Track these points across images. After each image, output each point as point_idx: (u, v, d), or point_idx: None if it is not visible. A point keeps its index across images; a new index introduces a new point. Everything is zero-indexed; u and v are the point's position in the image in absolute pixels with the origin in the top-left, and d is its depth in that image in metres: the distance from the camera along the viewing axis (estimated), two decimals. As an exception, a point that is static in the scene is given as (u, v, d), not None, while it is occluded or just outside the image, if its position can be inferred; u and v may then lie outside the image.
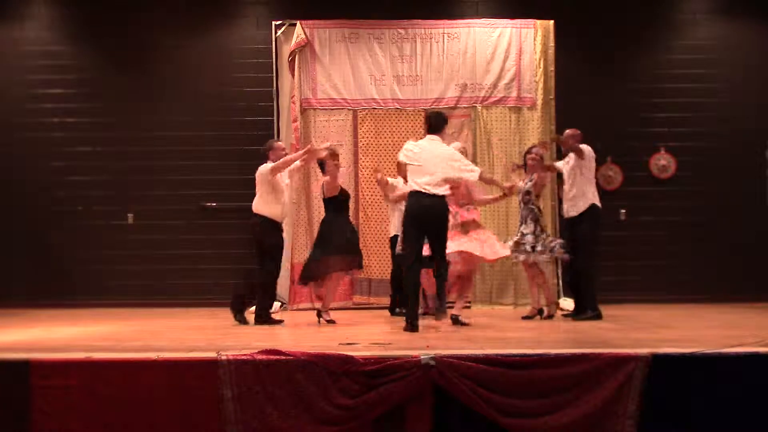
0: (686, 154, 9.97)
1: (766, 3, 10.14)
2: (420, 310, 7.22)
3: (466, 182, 7.02)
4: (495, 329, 6.87)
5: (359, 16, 9.86)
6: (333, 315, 7.61)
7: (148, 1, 10.08)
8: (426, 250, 6.81)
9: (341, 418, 4.60)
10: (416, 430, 4.64)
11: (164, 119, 9.96)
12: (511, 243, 7.76)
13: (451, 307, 7.22)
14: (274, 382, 4.61)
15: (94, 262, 9.77)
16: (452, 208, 7.39)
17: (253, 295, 7.61)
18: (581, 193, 7.65)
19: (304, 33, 9.77)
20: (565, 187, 7.84)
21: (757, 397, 4.68)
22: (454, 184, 6.91)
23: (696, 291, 9.61)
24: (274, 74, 9.95)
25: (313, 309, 9.20)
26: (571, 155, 7.74)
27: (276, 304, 8.59)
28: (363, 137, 9.77)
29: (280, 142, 8.13)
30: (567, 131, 7.88)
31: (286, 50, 9.88)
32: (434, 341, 5.79)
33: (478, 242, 7.20)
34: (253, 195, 7.63)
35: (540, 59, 9.79)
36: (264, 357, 4.69)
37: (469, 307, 7.66)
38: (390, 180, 8.21)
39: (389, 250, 8.61)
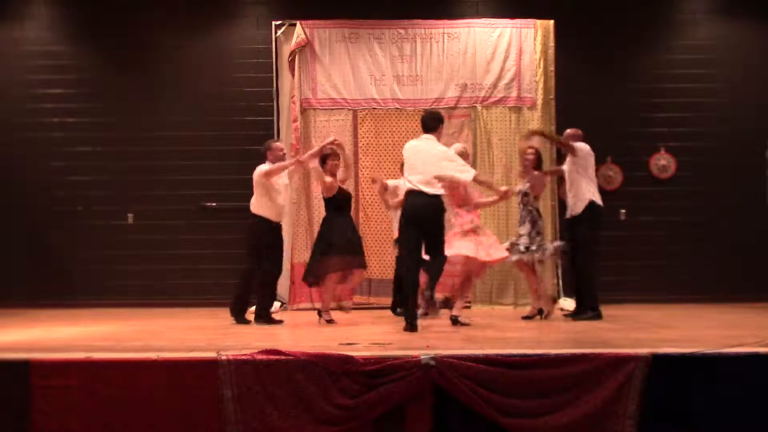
0: (686, 154, 9.97)
1: (766, 3, 10.13)
2: (420, 311, 7.22)
3: (464, 184, 7.00)
4: (495, 329, 6.87)
5: (359, 16, 9.86)
6: (333, 315, 7.61)
7: (148, 1, 10.07)
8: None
9: (341, 418, 4.60)
10: (416, 430, 4.64)
11: (164, 119, 9.96)
12: (507, 244, 7.77)
13: (451, 308, 7.23)
14: (274, 382, 4.61)
15: (94, 262, 9.77)
16: (453, 209, 7.40)
17: (253, 294, 7.67)
18: (579, 191, 7.64)
19: (304, 33, 9.77)
20: (566, 186, 7.86)
21: (757, 397, 4.68)
22: (452, 185, 6.92)
23: (696, 291, 9.61)
24: (274, 74, 9.95)
25: (314, 309, 9.22)
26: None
27: (276, 304, 8.59)
28: (363, 137, 9.77)
29: (278, 143, 8.13)
30: (567, 131, 7.88)
31: (286, 50, 9.88)
32: (434, 341, 5.79)
33: (474, 244, 7.17)
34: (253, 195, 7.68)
35: (540, 59, 9.80)
36: (264, 357, 4.69)
37: (469, 307, 7.66)
38: (390, 182, 8.18)
39: (391, 250, 8.63)
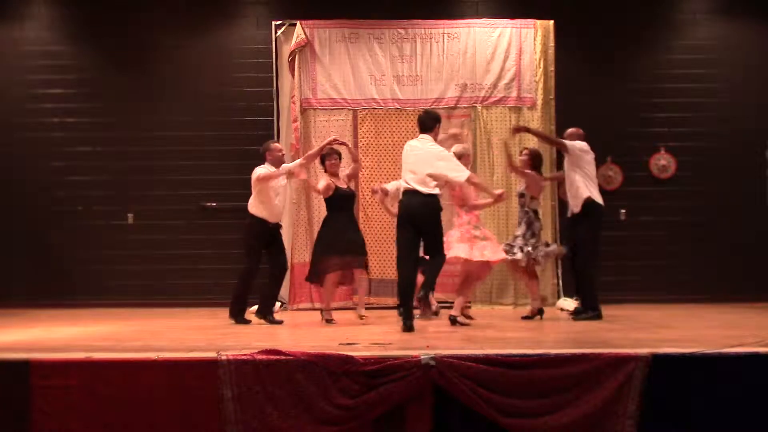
0: (686, 154, 9.97)
1: (766, 3, 10.13)
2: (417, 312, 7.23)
3: (459, 184, 6.99)
4: (495, 329, 6.87)
5: (359, 16, 9.86)
6: (333, 315, 7.62)
7: (148, 1, 10.07)
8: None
9: (341, 418, 4.60)
10: (416, 430, 4.64)
11: (164, 119, 9.96)
12: (504, 245, 7.77)
13: (450, 307, 7.24)
14: (274, 382, 4.61)
15: (94, 262, 9.77)
16: (454, 209, 7.39)
17: (252, 294, 7.68)
18: (575, 189, 7.63)
19: (304, 33, 9.77)
20: (566, 186, 7.85)
21: (757, 397, 4.68)
22: (450, 185, 6.91)
23: (696, 291, 9.61)
24: (274, 74, 9.94)
25: (314, 309, 9.23)
26: None
27: (276, 304, 8.58)
28: (363, 137, 9.78)
29: (276, 144, 8.14)
30: (569, 130, 7.88)
31: (286, 50, 9.88)
32: (434, 341, 5.79)
33: (469, 245, 7.15)
34: (253, 195, 7.71)
35: (540, 59, 9.79)
36: (264, 357, 4.69)
37: (469, 308, 7.64)
38: (390, 185, 8.12)
39: (391, 250, 8.61)
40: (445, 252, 6.90)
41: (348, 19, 9.86)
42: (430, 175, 6.63)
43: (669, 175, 10.00)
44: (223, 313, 7.75)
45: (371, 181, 9.59)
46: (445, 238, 6.98)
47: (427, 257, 6.87)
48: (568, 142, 7.72)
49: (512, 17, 9.87)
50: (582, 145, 7.69)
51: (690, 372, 4.71)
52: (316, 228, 8.39)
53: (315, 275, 7.54)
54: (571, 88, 9.76)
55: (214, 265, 9.62)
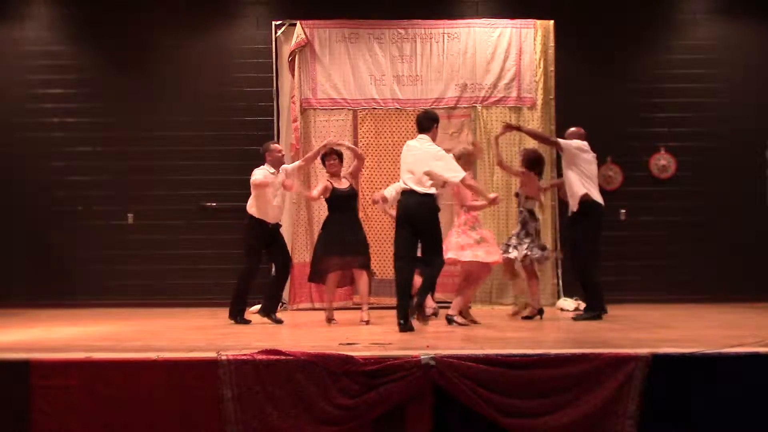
0: (686, 154, 9.97)
1: (766, 3, 10.13)
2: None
3: (457, 185, 6.97)
4: (495, 329, 6.87)
5: (359, 16, 9.86)
6: (334, 315, 7.63)
7: (148, 1, 10.07)
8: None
9: (341, 418, 4.60)
10: (416, 430, 4.64)
11: (164, 119, 9.96)
12: (501, 245, 7.78)
13: (449, 308, 7.24)
14: (274, 382, 4.61)
15: (94, 262, 9.77)
16: (456, 208, 7.39)
17: (252, 294, 7.67)
18: (571, 187, 7.62)
19: (304, 33, 9.77)
20: (565, 185, 7.85)
21: (757, 397, 4.68)
22: (443, 185, 6.90)
23: (696, 291, 9.60)
24: (274, 74, 9.95)
25: (314, 309, 9.24)
26: None
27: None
28: (363, 137, 9.78)
29: (276, 144, 8.14)
30: (570, 129, 7.88)
31: (286, 50, 9.88)
32: (434, 341, 5.79)
33: (463, 246, 7.13)
34: (253, 195, 7.71)
35: (540, 59, 9.80)
36: (264, 357, 4.69)
37: (469, 308, 7.64)
38: (388, 190, 8.09)
39: (391, 251, 8.59)
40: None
41: (348, 19, 9.86)
42: (427, 173, 6.63)
43: (669, 175, 10.00)
44: (223, 313, 7.74)
45: (371, 181, 9.62)
46: (445, 239, 6.97)
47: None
48: (561, 141, 7.73)
49: (512, 17, 9.87)
50: (578, 143, 7.66)
51: (690, 372, 4.70)
52: (316, 228, 8.39)
53: (316, 275, 7.56)
54: (571, 88, 9.76)
55: (214, 265, 9.62)
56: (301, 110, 9.75)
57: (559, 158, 8.76)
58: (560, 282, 9.56)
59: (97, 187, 9.93)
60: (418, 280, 7.03)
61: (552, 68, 9.83)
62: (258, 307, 8.35)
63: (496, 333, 6.53)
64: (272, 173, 7.70)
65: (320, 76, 9.81)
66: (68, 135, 9.97)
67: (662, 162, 9.99)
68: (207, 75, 10.02)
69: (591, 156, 7.70)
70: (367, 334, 6.34)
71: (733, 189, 9.89)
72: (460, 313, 7.16)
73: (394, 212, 7.55)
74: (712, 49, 10.10)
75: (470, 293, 7.40)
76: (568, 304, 9.00)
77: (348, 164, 8.11)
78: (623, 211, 9.89)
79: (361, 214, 9.42)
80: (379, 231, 9.51)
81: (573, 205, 7.66)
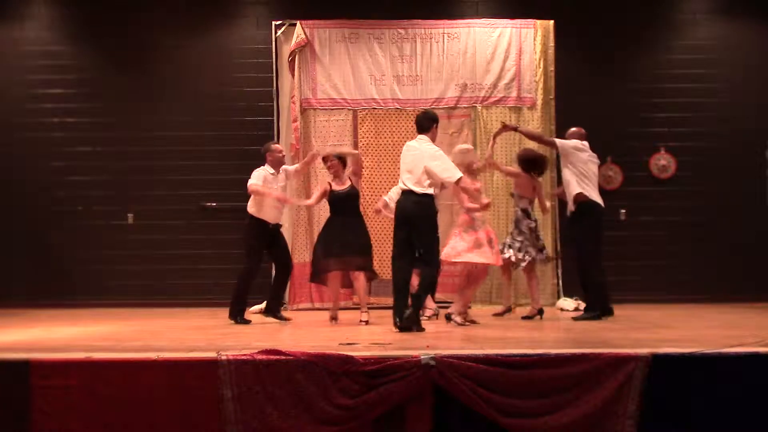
0: (686, 154, 9.97)
1: (766, 3, 10.13)
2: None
3: (454, 187, 6.96)
4: (495, 329, 6.87)
5: (359, 16, 9.87)
6: (337, 314, 7.65)
7: (148, 1, 10.07)
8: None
9: (341, 418, 4.60)
10: (416, 430, 4.64)
11: (164, 119, 9.96)
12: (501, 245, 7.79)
13: (447, 308, 7.24)
14: (274, 382, 4.61)
15: (94, 262, 9.77)
16: (453, 209, 7.39)
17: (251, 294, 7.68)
18: (567, 187, 7.62)
19: (304, 33, 9.77)
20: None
21: (757, 397, 4.68)
22: (440, 186, 6.91)
23: (696, 291, 9.61)
24: (274, 74, 9.95)
25: (314, 309, 9.25)
26: None
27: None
28: (363, 137, 9.78)
29: (277, 144, 8.14)
30: (570, 129, 7.87)
31: (286, 50, 9.89)
32: (434, 341, 5.79)
33: (453, 247, 7.13)
34: (252, 195, 7.71)
35: (540, 59, 9.80)
36: (264, 357, 4.68)
37: (469, 308, 7.63)
38: (389, 195, 8.09)
39: (391, 251, 8.60)
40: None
41: (348, 19, 9.86)
42: (426, 171, 6.64)
43: (669, 175, 10.00)
44: (223, 313, 7.74)
45: (371, 181, 9.63)
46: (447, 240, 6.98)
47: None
48: (557, 140, 7.76)
49: (512, 17, 9.88)
50: (575, 143, 7.65)
51: (690, 372, 4.70)
52: (316, 228, 8.38)
53: (316, 275, 7.58)
54: (571, 88, 9.77)
55: (214, 265, 9.63)
56: (301, 110, 9.75)
57: (559, 158, 8.77)
58: (560, 282, 9.57)
59: (97, 187, 9.93)
60: (416, 281, 7.03)
61: (552, 68, 9.83)
62: (258, 307, 8.37)
63: (496, 333, 6.53)
64: (272, 174, 7.72)
65: (320, 76, 9.81)
66: (68, 135, 9.97)
67: (662, 162, 9.99)
68: (207, 75, 10.03)
69: (588, 155, 7.67)
70: (367, 334, 6.34)
71: (733, 189, 9.90)
72: (460, 314, 7.16)
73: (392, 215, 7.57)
74: (712, 49, 10.11)
75: (469, 294, 7.40)
76: (568, 304, 9.01)
77: (352, 163, 8.11)
78: (623, 211, 9.89)
79: (360, 214, 9.45)
80: (379, 231, 9.50)
81: (570, 205, 7.66)
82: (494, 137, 8.19)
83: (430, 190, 6.69)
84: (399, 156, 7.06)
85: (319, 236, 7.67)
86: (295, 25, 9.81)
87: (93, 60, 10.09)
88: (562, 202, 8.92)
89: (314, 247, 7.74)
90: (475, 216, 7.10)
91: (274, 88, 9.95)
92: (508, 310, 7.98)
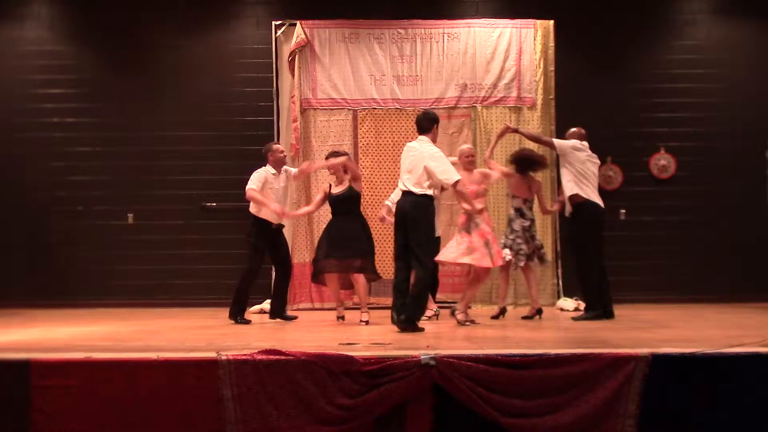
0: (686, 154, 9.97)
1: (766, 3, 10.13)
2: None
3: (452, 189, 6.94)
4: (495, 329, 6.87)
5: (359, 16, 9.87)
6: (332, 314, 7.65)
7: (148, 2, 10.07)
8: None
9: (341, 418, 4.60)
10: (416, 430, 4.64)
11: (164, 119, 9.96)
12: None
13: (448, 308, 7.25)
14: (274, 382, 4.61)
15: (94, 262, 9.77)
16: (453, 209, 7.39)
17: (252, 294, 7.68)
18: (565, 187, 7.62)
19: (304, 33, 9.77)
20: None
21: (757, 397, 4.68)
22: (440, 187, 6.90)
23: (696, 291, 9.61)
24: (274, 74, 9.95)
25: (314, 309, 9.24)
26: None
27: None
28: (363, 137, 9.78)
29: (278, 145, 8.13)
30: (570, 129, 7.87)
31: (286, 50, 9.89)
32: (434, 341, 5.80)
33: (449, 248, 7.13)
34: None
35: (540, 59, 9.80)
36: (264, 357, 4.68)
37: (469, 308, 7.63)
38: (390, 199, 8.08)
39: (391, 251, 8.60)
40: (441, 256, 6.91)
41: (348, 19, 9.86)
42: (425, 171, 6.64)
43: (669, 175, 10.00)
44: (223, 313, 7.74)
45: (371, 181, 9.62)
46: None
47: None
48: (556, 140, 7.80)
49: (512, 17, 9.88)
50: (574, 142, 7.65)
51: (690, 372, 4.70)
52: (316, 228, 8.38)
53: (316, 275, 7.58)
54: (571, 88, 9.77)
55: (214, 265, 9.63)
56: (301, 110, 9.75)
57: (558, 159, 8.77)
58: (560, 282, 9.57)
59: (97, 187, 9.92)
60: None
61: (552, 68, 9.83)
62: (258, 307, 8.37)
63: (496, 333, 6.54)
64: (273, 174, 7.72)
65: (320, 76, 9.82)
66: (68, 135, 9.97)
67: (662, 162, 9.99)
68: (207, 75, 10.03)
69: (587, 155, 7.66)
70: (367, 334, 6.35)
71: (733, 189, 9.89)
72: (462, 311, 7.17)
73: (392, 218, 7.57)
74: (712, 49, 10.10)
75: (470, 294, 7.40)
76: (568, 304, 9.01)
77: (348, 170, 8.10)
78: (623, 211, 9.89)
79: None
80: (380, 231, 9.50)
81: (567, 206, 7.67)
82: (497, 138, 8.19)
83: (430, 191, 6.69)
84: (399, 156, 7.07)
85: (320, 237, 7.68)
86: (295, 25, 9.82)
87: (93, 60, 10.09)
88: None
89: (316, 247, 7.74)
90: (474, 218, 7.07)
91: (274, 88, 9.95)
92: (503, 311, 7.96)
